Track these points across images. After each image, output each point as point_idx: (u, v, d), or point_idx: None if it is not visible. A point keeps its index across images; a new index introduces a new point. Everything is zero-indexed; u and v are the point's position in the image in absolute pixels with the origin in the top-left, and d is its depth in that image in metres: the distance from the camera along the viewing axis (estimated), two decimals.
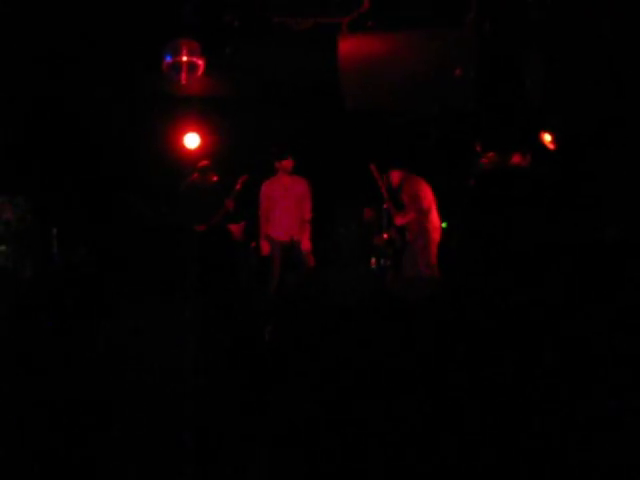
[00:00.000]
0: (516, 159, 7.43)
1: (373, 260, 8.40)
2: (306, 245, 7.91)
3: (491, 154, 7.72)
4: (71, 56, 7.47)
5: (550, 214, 6.79)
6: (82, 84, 7.85)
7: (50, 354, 3.86)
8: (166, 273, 6.83)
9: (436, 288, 6.72)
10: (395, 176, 7.88)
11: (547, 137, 7.64)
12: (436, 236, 7.75)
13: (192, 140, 8.86)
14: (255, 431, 2.91)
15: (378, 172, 7.89)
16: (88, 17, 7.04)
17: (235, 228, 8.19)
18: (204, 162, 8.17)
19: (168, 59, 7.00)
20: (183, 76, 6.98)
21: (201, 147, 8.81)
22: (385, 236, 8.20)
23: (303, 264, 7.87)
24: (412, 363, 3.28)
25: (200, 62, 7.08)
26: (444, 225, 8.01)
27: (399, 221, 7.81)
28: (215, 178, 8.13)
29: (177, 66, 7.00)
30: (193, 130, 8.83)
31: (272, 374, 3.35)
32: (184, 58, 6.96)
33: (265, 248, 7.95)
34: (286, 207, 7.94)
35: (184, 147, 8.84)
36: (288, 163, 7.92)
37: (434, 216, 7.77)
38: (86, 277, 6.78)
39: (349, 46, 7.21)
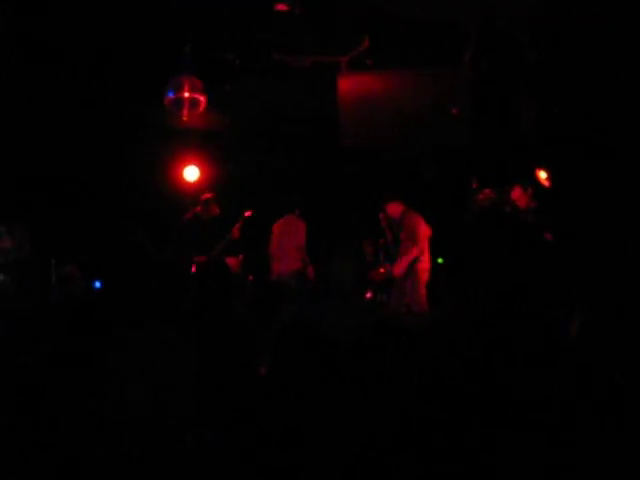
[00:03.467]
0: (516, 194, 7.37)
1: (369, 294, 8.41)
2: None
3: (487, 190, 7.76)
4: (73, 88, 7.56)
5: (546, 253, 6.83)
6: (84, 116, 7.93)
7: (51, 389, 3.89)
8: (164, 305, 6.85)
9: (425, 323, 6.68)
10: (394, 209, 7.76)
11: (542, 174, 7.66)
12: (425, 277, 7.63)
13: (192, 173, 8.93)
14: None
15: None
16: (92, 50, 7.15)
17: (232, 261, 8.21)
18: (207, 194, 8.19)
19: (170, 95, 7.07)
20: (185, 112, 7.06)
21: (200, 180, 8.87)
22: (382, 270, 8.22)
23: None
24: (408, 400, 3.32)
25: (202, 98, 7.14)
26: (440, 261, 8.01)
27: (397, 271, 7.66)
28: (217, 210, 8.17)
29: (179, 102, 7.08)
30: (193, 163, 8.91)
31: (268, 411, 3.37)
32: (186, 94, 7.03)
33: None
34: None
35: (183, 180, 8.90)
36: None
37: (425, 257, 7.65)
38: (85, 308, 6.79)
39: (348, 84, 7.33)
